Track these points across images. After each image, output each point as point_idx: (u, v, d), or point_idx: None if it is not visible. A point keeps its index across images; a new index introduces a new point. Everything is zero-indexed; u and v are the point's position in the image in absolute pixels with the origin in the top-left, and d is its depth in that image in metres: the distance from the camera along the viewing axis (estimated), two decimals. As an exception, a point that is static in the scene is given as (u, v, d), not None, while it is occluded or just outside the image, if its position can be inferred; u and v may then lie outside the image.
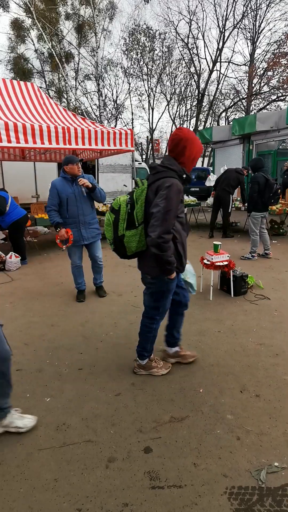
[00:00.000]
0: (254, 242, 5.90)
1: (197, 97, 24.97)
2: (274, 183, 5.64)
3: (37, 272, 5.54)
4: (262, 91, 21.99)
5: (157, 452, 1.88)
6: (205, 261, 4.23)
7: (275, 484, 1.67)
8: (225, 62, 24.08)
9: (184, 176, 2.17)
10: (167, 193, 2.04)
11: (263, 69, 21.28)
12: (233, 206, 8.35)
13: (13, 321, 3.67)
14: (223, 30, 22.52)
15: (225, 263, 4.15)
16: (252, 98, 22.22)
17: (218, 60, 23.54)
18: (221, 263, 4.13)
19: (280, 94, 21.19)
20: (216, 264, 4.11)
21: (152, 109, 26.83)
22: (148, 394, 2.39)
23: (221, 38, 22.66)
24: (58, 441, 1.98)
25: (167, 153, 2.26)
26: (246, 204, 7.92)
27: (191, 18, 22.95)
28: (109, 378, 2.58)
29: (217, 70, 23.92)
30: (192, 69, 24.03)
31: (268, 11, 21.56)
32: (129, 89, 25.24)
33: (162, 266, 2.13)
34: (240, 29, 22.57)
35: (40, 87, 12.61)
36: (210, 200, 9.04)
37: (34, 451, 1.91)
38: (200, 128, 23.67)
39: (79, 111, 21.99)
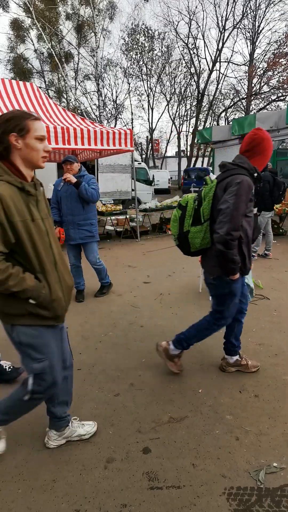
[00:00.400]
0: (257, 241, 5.89)
1: (196, 97, 24.97)
2: (282, 182, 5.67)
3: (37, 272, 5.53)
4: (262, 91, 22.00)
5: (156, 452, 1.88)
6: (204, 261, 4.22)
7: (274, 485, 1.67)
8: (225, 62, 24.11)
9: (255, 174, 2.13)
10: (237, 190, 2.00)
11: (263, 69, 21.28)
12: None
13: (12, 321, 3.66)
14: (223, 30, 22.54)
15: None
16: (252, 98, 22.21)
17: (218, 60, 23.57)
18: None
19: (280, 94, 21.20)
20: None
21: (152, 109, 26.86)
22: (147, 394, 2.38)
23: (221, 38, 22.69)
24: (57, 441, 1.97)
25: (239, 153, 2.22)
26: None
27: (191, 18, 22.98)
28: (108, 378, 2.58)
29: (216, 70, 23.96)
30: (192, 69, 24.05)
31: (267, 11, 21.59)
32: (128, 89, 25.27)
33: (226, 264, 2.06)
34: (239, 29, 22.59)
35: (40, 87, 12.64)
36: None
37: (33, 452, 1.91)
38: (200, 128, 23.66)
39: (78, 111, 21.99)
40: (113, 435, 2.01)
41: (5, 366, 2.57)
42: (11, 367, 2.59)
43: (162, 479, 1.72)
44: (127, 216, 8.54)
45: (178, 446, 1.92)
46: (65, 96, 22.84)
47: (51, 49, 20.63)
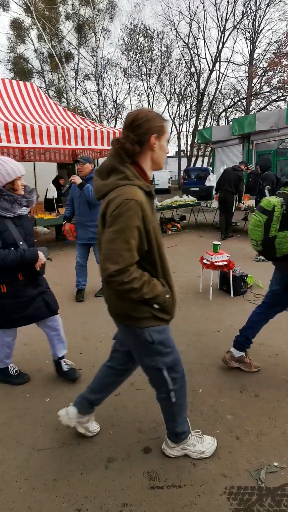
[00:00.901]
0: None
1: (197, 97, 24.97)
2: (285, 182, 5.65)
3: (37, 272, 5.53)
4: (262, 91, 21.99)
5: (156, 452, 1.88)
6: (204, 261, 4.23)
7: (274, 484, 1.67)
8: (225, 62, 24.10)
9: None
10: None
11: (263, 69, 21.27)
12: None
13: (13, 321, 3.67)
14: (223, 30, 22.54)
15: (225, 263, 4.15)
16: (252, 98, 22.21)
17: (218, 60, 23.55)
18: (220, 263, 4.13)
19: (280, 94, 21.19)
20: (216, 264, 4.12)
21: (152, 109, 26.80)
22: (147, 394, 2.38)
23: (221, 38, 22.68)
24: (58, 441, 1.98)
25: None
26: (243, 202, 7.88)
27: (191, 18, 22.95)
28: (108, 378, 2.58)
29: (216, 70, 23.94)
30: (192, 69, 24.04)
31: (267, 11, 21.57)
32: (129, 88, 25.26)
33: None
34: (239, 29, 22.57)
35: (40, 87, 12.63)
36: (215, 204, 8.87)
37: (34, 452, 1.91)
38: (200, 128, 23.66)
39: (78, 111, 21.99)
40: (113, 435, 2.02)
41: (12, 370, 2.57)
42: (18, 371, 2.59)
43: (163, 478, 1.72)
44: (127, 216, 8.52)
45: (179, 446, 1.92)
46: (65, 96, 22.84)
47: (51, 49, 20.62)
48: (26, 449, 1.93)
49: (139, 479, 1.72)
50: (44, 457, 1.87)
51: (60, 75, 22.05)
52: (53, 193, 7.65)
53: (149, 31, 23.77)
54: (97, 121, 20.30)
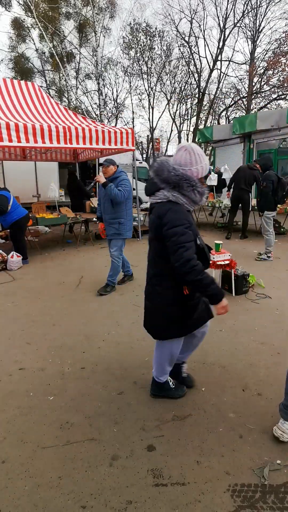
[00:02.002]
0: (269, 241, 5.84)
1: (197, 95, 24.93)
2: (286, 181, 5.64)
3: (39, 272, 5.55)
4: (263, 90, 21.93)
5: (160, 450, 1.90)
6: (206, 260, 4.23)
7: (278, 482, 1.68)
8: (226, 60, 24.04)
9: None
10: None
11: (264, 68, 21.23)
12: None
13: (15, 320, 3.68)
14: (224, 29, 22.49)
15: (226, 262, 4.16)
16: (253, 97, 22.17)
17: (219, 59, 23.51)
18: (222, 262, 4.14)
19: (280, 93, 21.14)
20: (218, 263, 4.12)
21: (152, 108, 26.78)
22: (150, 392, 2.40)
23: (222, 37, 22.63)
24: (62, 439, 1.99)
25: None
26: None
27: (192, 17, 22.90)
28: (111, 376, 2.60)
29: (217, 69, 23.90)
30: (193, 68, 23.99)
31: (268, 10, 21.49)
32: (130, 87, 25.21)
33: None
34: (240, 28, 22.52)
35: (41, 87, 12.58)
36: (226, 202, 8.81)
37: (38, 450, 1.92)
38: (201, 127, 23.63)
39: (79, 110, 21.96)
40: (117, 433, 2.03)
41: (170, 382, 2.36)
42: (174, 383, 2.39)
43: (167, 476, 1.73)
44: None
45: (182, 444, 1.94)
46: (66, 95, 22.82)
47: (53, 49, 20.59)
48: (30, 447, 1.94)
49: (143, 476, 1.74)
50: (49, 455, 1.89)
51: (61, 75, 22.03)
52: (54, 193, 7.66)
53: (149, 29, 23.70)
54: (97, 120, 20.28)
